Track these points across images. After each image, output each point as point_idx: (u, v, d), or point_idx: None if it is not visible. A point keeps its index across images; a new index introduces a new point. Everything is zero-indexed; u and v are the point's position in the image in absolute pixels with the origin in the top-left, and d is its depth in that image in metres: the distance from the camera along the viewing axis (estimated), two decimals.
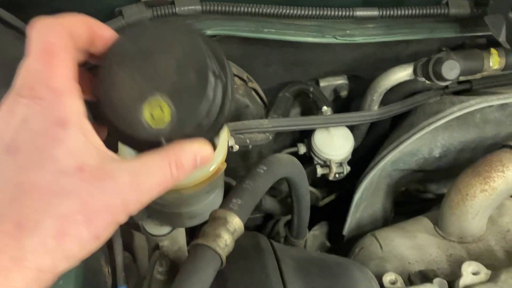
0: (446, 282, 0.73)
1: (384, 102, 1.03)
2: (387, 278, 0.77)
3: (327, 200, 1.17)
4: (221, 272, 0.57)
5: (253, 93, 0.99)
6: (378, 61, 1.00)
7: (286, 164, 0.74)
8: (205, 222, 0.60)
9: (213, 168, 0.71)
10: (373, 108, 0.99)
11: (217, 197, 0.82)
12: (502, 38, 0.80)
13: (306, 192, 0.88)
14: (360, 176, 1.06)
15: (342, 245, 1.25)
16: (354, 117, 0.97)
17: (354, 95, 1.12)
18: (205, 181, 0.71)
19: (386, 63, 0.97)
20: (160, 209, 0.78)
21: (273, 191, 1.21)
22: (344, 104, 1.15)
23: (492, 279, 0.70)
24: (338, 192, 1.20)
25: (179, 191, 0.70)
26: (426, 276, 0.76)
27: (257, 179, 0.64)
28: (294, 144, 1.09)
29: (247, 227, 1.30)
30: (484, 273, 0.71)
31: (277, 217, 1.23)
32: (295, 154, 1.10)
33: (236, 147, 0.83)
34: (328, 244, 1.36)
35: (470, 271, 0.72)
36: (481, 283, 0.69)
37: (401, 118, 1.06)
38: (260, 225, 1.34)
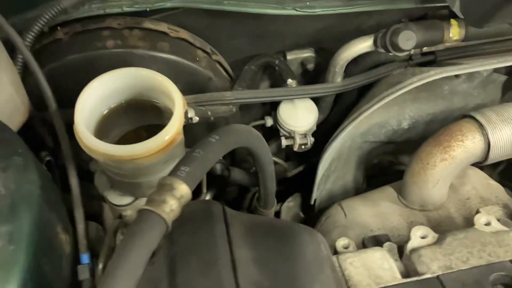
0: (395, 245, 0.76)
1: (349, 74, 1.04)
2: (340, 242, 0.79)
3: (295, 171, 1.19)
4: (169, 236, 0.58)
5: (218, 65, 1.00)
6: (341, 34, 1.00)
7: (241, 134, 0.75)
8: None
9: (168, 138, 0.72)
10: (336, 80, 1.01)
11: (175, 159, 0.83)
12: (456, 8, 0.81)
13: (269, 162, 0.89)
14: None
15: (313, 215, 1.28)
16: (317, 89, 0.98)
17: (322, 68, 1.13)
18: (160, 151, 0.72)
19: (349, 35, 0.98)
20: (121, 179, 0.80)
21: (244, 164, 1.23)
22: (312, 77, 1.16)
23: (438, 242, 0.72)
24: (306, 164, 1.22)
25: (134, 161, 0.72)
26: (378, 240, 0.79)
27: (208, 148, 0.65)
28: (263, 118, 1.11)
29: (225, 200, 1.32)
30: (432, 236, 0.74)
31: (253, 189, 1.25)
32: (263, 126, 1.11)
33: (196, 119, 0.84)
34: (302, 215, 1.39)
35: (419, 235, 0.74)
36: (428, 245, 0.72)
37: (366, 90, 1.08)
38: (237, 198, 1.35)
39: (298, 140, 1.01)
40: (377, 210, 1.04)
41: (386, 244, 0.76)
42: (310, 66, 1.10)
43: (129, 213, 0.86)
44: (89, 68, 0.87)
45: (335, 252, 0.80)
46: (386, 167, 1.47)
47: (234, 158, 1.17)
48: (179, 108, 0.74)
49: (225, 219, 0.66)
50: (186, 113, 0.80)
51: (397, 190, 1.07)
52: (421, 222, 0.98)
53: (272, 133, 1.15)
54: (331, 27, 1.00)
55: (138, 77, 0.78)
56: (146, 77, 0.77)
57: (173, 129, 0.73)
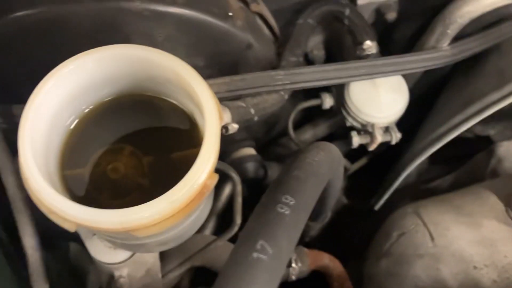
0: None
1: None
2: None
3: (356, 167, 0.86)
4: None
5: (259, 20, 0.63)
6: None
7: (327, 170, 0.42)
8: None
9: (195, 190, 0.39)
10: (442, 46, 0.64)
11: (203, 211, 0.51)
12: None
13: (340, 182, 0.58)
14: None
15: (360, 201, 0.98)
16: (418, 60, 0.62)
17: (403, 18, 0.76)
18: (178, 213, 0.39)
19: None
20: (113, 240, 0.47)
21: (280, 149, 0.90)
22: (386, 31, 0.78)
23: None
24: (369, 156, 0.88)
25: (132, 233, 0.39)
26: None
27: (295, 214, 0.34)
28: (314, 92, 0.75)
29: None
30: None
31: None
32: (317, 108, 0.76)
33: (234, 127, 0.50)
34: (345, 200, 1.08)
35: None
36: None
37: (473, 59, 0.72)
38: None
39: (379, 138, 0.67)
40: (479, 234, 0.74)
41: None
42: (392, 15, 0.72)
43: (126, 272, 0.54)
44: (48, 35, 0.51)
45: None
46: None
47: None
48: (213, 131, 0.40)
49: None
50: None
51: (502, 197, 0.76)
52: None
53: (325, 113, 0.81)
54: None
55: (135, 62, 0.42)
56: (151, 63, 0.42)
57: (203, 171, 0.39)
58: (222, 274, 0.32)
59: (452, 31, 0.62)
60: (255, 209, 0.38)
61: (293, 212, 0.36)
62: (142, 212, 0.38)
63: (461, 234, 0.74)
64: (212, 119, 0.41)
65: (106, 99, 0.46)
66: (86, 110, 0.45)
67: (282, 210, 0.35)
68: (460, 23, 0.61)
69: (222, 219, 0.86)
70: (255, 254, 0.32)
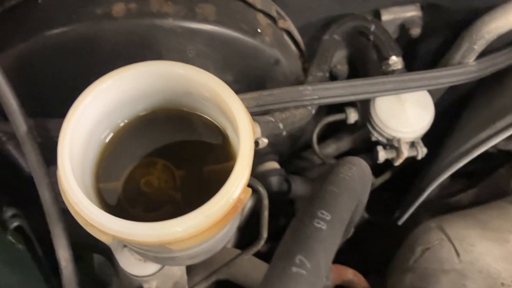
0: None
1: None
2: None
3: (379, 181, 0.86)
4: None
5: (286, 36, 0.64)
6: None
7: (358, 189, 0.42)
8: None
9: (231, 203, 0.39)
10: (469, 62, 0.64)
11: (232, 225, 0.51)
12: None
13: (367, 197, 0.58)
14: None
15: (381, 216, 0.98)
16: (443, 77, 0.62)
17: (427, 34, 0.76)
18: (214, 226, 0.39)
19: None
20: (145, 253, 0.48)
21: (303, 162, 0.90)
22: (410, 46, 0.79)
23: None
24: (393, 171, 0.88)
25: (167, 246, 0.39)
26: None
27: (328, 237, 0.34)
28: (340, 106, 0.76)
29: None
30: None
31: None
32: (341, 123, 0.77)
33: (264, 142, 0.50)
34: (366, 215, 1.07)
35: None
36: None
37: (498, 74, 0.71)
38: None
39: (405, 152, 0.66)
40: (506, 250, 0.73)
41: None
42: (416, 31, 0.73)
43: (155, 284, 0.55)
44: (82, 51, 0.52)
45: None
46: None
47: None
48: (247, 145, 0.41)
49: None
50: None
51: None
52: None
53: (350, 128, 0.81)
54: None
55: (171, 78, 0.43)
56: (187, 79, 0.43)
57: (238, 186, 0.39)
58: (262, 286, 0.32)
59: (478, 47, 0.62)
60: (291, 224, 0.38)
61: (329, 227, 0.36)
62: (178, 226, 0.38)
63: (487, 250, 0.73)
64: (246, 134, 0.41)
65: (140, 114, 0.47)
66: (121, 124, 0.46)
67: (319, 225, 0.36)
68: (487, 39, 0.61)
69: (243, 232, 0.87)
70: (294, 269, 0.32)
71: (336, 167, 0.43)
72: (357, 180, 0.43)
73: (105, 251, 0.75)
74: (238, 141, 0.41)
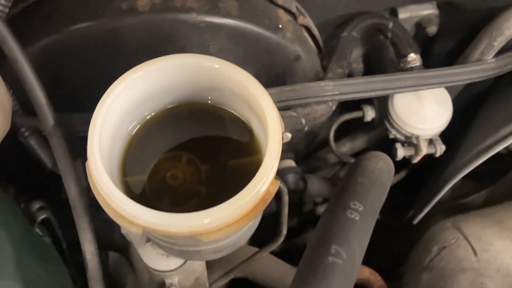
0: None
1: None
2: None
3: (395, 180, 0.86)
4: None
5: (305, 33, 0.64)
6: None
7: (386, 184, 0.42)
8: None
9: (261, 195, 0.39)
10: (487, 59, 0.64)
11: (256, 220, 0.51)
12: None
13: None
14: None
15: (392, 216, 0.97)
16: (462, 73, 0.62)
17: (443, 32, 0.76)
18: (243, 218, 0.40)
19: None
20: (170, 246, 0.48)
21: (317, 161, 0.90)
22: (426, 44, 0.79)
23: None
24: (408, 170, 0.87)
25: (197, 237, 0.39)
26: None
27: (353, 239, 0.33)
28: (355, 104, 0.76)
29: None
30: None
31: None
32: (359, 120, 0.77)
33: (288, 136, 0.50)
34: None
35: None
36: None
37: None
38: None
39: (424, 149, 0.66)
40: None
41: None
42: (433, 29, 0.73)
43: (177, 279, 0.55)
44: (107, 46, 0.52)
45: None
46: None
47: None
48: (276, 138, 0.41)
49: None
50: None
51: None
52: None
53: (368, 125, 0.81)
54: None
55: (200, 71, 0.43)
56: (217, 73, 0.43)
57: (267, 178, 0.39)
58: (298, 277, 0.32)
59: (498, 43, 0.62)
60: (322, 214, 0.38)
61: (362, 217, 0.36)
62: (209, 217, 0.38)
63: (505, 248, 0.73)
64: (275, 127, 0.41)
65: (168, 107, 0.47)
66: (148, 117, 0.46)
67: (352, 216, 0.36)
68: (507, 35, 0.61)
69: (256, 230, 0.86)
70: (330, 258, 0.32)
71: (364, 160, 0.43)
72: (385, 173, 0.43)
73: (121, 248, 0.75)
74: (266, 135, 0.41)
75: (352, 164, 0.43)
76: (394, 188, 0.97)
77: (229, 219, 0.39)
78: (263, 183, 0.39)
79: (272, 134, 0.41)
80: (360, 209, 0.36)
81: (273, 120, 0.41)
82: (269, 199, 0.41)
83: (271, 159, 0.40)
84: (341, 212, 0.36)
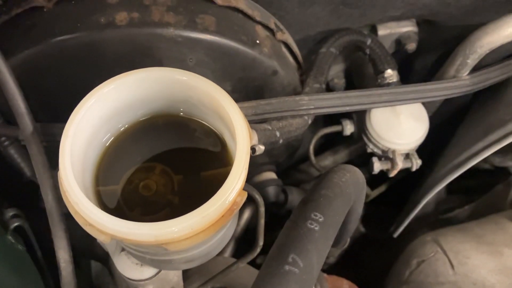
0: None
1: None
2: None
3: (375, 193, 0.87)
4: None
5: (284, 48, 0.65)
6: (477, 3, 0.65)
7: (350, 196, 0.43)
8: None
9: (227, 205, 0.40)
10: (462, 76, 0.66)
11: (228, 230, 0.52)
12: None
13: (361, 207, 0.59)
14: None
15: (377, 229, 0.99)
16: (438, 89, 0.64)
17: (422, 49, 0.78)
18: (211, 227, 0.40)
19: (491, 7, 0.63)
20: (142, 255, 0.48)
21: (300, 174, 0.91)
22: (406, 61, 0.81)
23: None
24: (388, 183, 0.89)
25: (164, 246, 0.40)
26: None
27: (312, 253, 0.34)
28: (335, 119, 0.77)
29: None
30: None
31: None
32: (338, 134, 0.78)
33: (261, 149, 0.51)
34: (362, 229, 1.08)
35: None
36: None
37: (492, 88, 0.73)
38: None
39: (400, 164, 0.68)
40: (500, 263, 0.74)
41: None
42: (412, 46, 0.75)
43: None
44: (86, 58, 0.54)
45: None
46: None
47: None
48: (243, 150, 0.42)
49: None
50: None
51: None
52: None
53: (346, 139, 0.82)
54: None
55: (172, 84, 0.45)
56: (187, 86, 0.44)
57: (234, 188, 0.40)
58: (256, 285, 0.33)
59: (472, 61, 0.64)
60: (285, 225, 0.39)
61: (322, 228, 0.37)
62: (175, 226, 0.39)
63: (482, 262, 0.74)
64: (243, 139, 0.42)
65: (141, 119, 0.48)
66: (122, 129, 0.47)
67: (312, 226, 0.37)
68: (480, 53, 0.63)
69: (239, 243, 0.87)
70: (287, 267, 0.33)
71: (330, 173, 0.44)
72: (350, 186, 0.44)
73: (103, 258, 0.75)
74: (235, 146, 0.43)
75: (319, 177, 0.44)
76: (377, 202, 0.99)
77: (195, 228, 0.40)
78: (229, 193, 0.40)
79: (240, 145, 0.42)
80: (321, 219, 0.37)
81: (241, 131, 0.42)
82: (236, 209, 0.42)
83: (238, 170, 0.41)
84: (302, 222, 0.37)
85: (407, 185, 0.92)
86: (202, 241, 0.43)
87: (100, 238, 0.40)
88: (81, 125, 0.42)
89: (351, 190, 0.44)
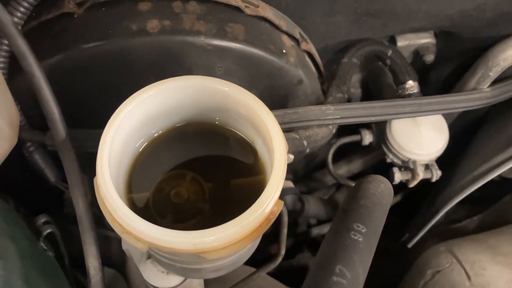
0: None
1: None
2: None
3: (392, 202, 0.87)
4: None
5: (307, 58, 0.66)
6: (500, 16, 0.65)
7: (387, 206, 0.44)
8: None
9: (265, 214, 0.40)
10: (483, 88, 0.67)
11: (257, 240, 0.52)
12: None
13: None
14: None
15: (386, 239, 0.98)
16: (459, 101, 0.64)
17: (441, 60, 0.78)
18: (248, 237, 0.40)
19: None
20: (172, 264, 0.48)
21: (314, 183, 0.91)
22: (423, 72, 0.81)
23: None
24: (404, 192, 0.89)
25: (201, 255, 0.40)
26: None
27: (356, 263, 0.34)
28: (354, 128, 0.77)
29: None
30: None
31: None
32: (356, 143, 0.78)
33: (290, 158, 0.51)
34: None
35: None
36: None
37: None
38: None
39: (421, 174, 0.68)
40: None
41: None
42: (430, 57, 0.75)
43: None
44: (116, 65, 0.54)
45: None
46: None
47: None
48: (281, 159, 0.42)
49: None
50: None
51: None
52: None
53: (364, 149, 0.82)
54: (486, 5, 0.64)
55: (210, 93, 0.45)
56: (226, 95, 0.44)
57: (272, 198, 0.40)
58: None
59: (494, 73, 0.64)
60: (326, 235, 0.39)
61: (365, 239, 0.37)
62: (215, 235, 0.39)
63: (499, 274, 0.74)
64: (281, 149, 0.42)
65: (175, 125, 0.48)
66: (156, 134, 0.47)
67: (356, 237, 0.37)
68: (503, 66, 0.63)
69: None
70: (334, 278, 0.33)
71: (366, 184, 0.44)
72: (386, 196, 0.44)
73: (117, 264, 0.75)
74: (272, 156, 0.43)
75: (354, 187, 0.44)
76: (389, 211, 0.99)
77: (233, 237, 0.39)
78: (268, 203, 0.40)
79: (278, 155, 0.42)
80: (363, 230, 0.37)
81: (279, 142, 0.43)
82: (273, 219, 0.42)
83: (276, 180, 0.41)
84: (345, 233, 0.37)
85: (419, 195, 0.92)
86: (240, 250, 0.42)
87: (137, 245, 0.40)
88: (118, 130, 0.42)
89: (386, 200, 0.44)
